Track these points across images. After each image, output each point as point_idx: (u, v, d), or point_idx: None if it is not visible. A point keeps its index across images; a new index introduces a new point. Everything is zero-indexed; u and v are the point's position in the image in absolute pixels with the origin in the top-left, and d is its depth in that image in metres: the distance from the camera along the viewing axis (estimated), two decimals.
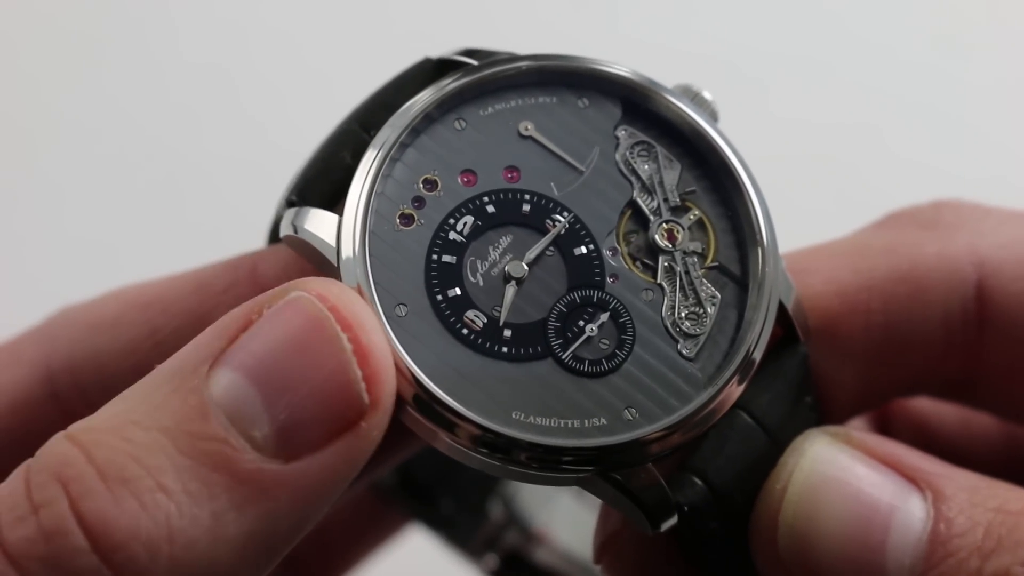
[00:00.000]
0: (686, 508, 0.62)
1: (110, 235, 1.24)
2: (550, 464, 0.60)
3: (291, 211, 0.63)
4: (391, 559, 0.99)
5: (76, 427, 0.54)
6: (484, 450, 0.60)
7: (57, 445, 0.54)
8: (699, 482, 0.62)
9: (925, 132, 1.39)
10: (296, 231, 0.62)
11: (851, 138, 1.38)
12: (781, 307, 0.64)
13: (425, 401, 0.59)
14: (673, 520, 0.62)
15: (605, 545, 0.67)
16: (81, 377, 0.71)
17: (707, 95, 0.67)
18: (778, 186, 1.21)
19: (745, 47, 1.43)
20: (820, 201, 1.29)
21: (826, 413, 0.68)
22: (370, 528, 0.94)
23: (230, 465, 0.53)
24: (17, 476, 0.53)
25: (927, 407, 0.79)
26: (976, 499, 0.60)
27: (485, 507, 0.98)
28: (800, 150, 1.36)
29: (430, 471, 0.96)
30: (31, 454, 0.54)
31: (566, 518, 0.98)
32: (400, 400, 0.60)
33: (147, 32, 1.41)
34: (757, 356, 0.63)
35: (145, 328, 0.69)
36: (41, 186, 1.28)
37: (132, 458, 0.52)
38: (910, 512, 0.60)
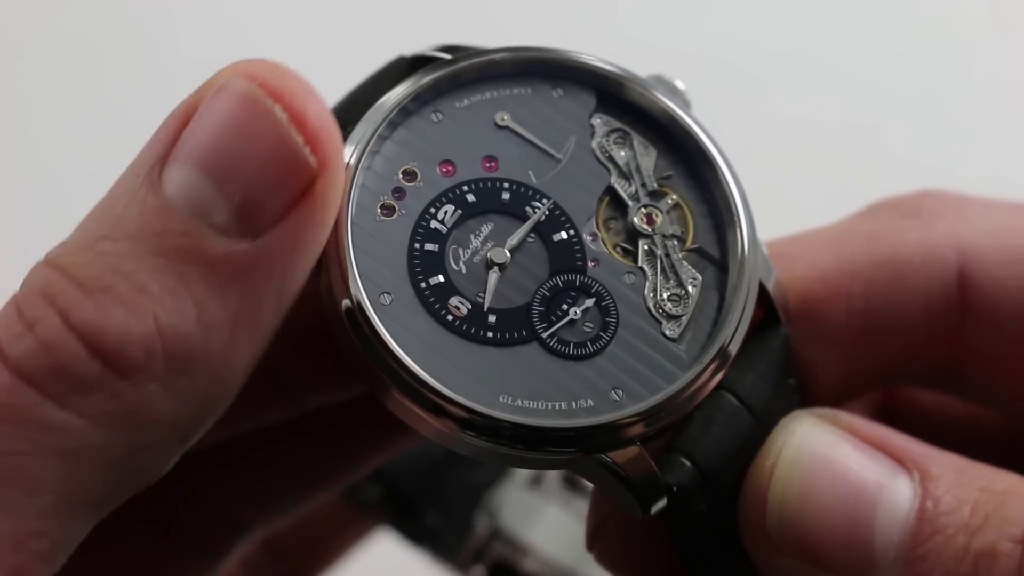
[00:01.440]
0: (675, 488, 0.62)
1: None
2: (538, 445, 0.60)
3: None
4: (375, 552, 0.99)
5: (50, 253, 0.56)
6: (471, 433, 0.60)
7: (37, 272, 0.55)
8: (687, 463, 0.62)
9: (926, 131, 1.40)
10: None
11: (852, 136, 1.39)
12: (762, 289, 0.65)
13: (411, 385, 0.60)
14: (663, 503, 0.62)
15: (596, 531, 0.67)
16: None
17: (679, 84, 0.68)
18: (779, 184, 1.23)
19: (745, 46, 1.44)
20: (821, 199, 1.29)
21: (808, 398, 0.68)
22: (355, 520, 0.94)
23: (200, 255, 0.54)
24: (7, 306, 0.55)
25: (932, 399, 0.79)
26: (963, 479, 0.61)
27: (471, 520, 0.98)
28: (801, 148, 1.37)
29: (415, 485, 0.96)
30: None
31: (552, 529, 0.98)
32: (385, 385, 0.60)
33: (147, 30, 1.41)
34: (739, 337, 0.64)
35: None
36: (41, 186, 1.29)
37: (109, 268, 0.54)
38: (897, 490, 0.60)
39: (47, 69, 1.40)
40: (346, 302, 0.60)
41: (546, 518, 0.98)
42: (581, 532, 0.70)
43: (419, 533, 0.98)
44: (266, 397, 0.74)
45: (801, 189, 1.30)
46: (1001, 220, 0.70)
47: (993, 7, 1.48)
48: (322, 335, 0.64)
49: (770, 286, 0.66)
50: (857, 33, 1.47)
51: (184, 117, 0.56)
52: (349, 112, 0.65)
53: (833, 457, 0.62)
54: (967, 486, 0.60)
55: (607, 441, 0.61)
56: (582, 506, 0.65)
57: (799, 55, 1.45)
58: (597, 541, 0.67)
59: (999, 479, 0.61)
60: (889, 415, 0.79)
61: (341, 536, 0.94)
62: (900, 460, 0.62)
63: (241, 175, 0.54)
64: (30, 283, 0.55)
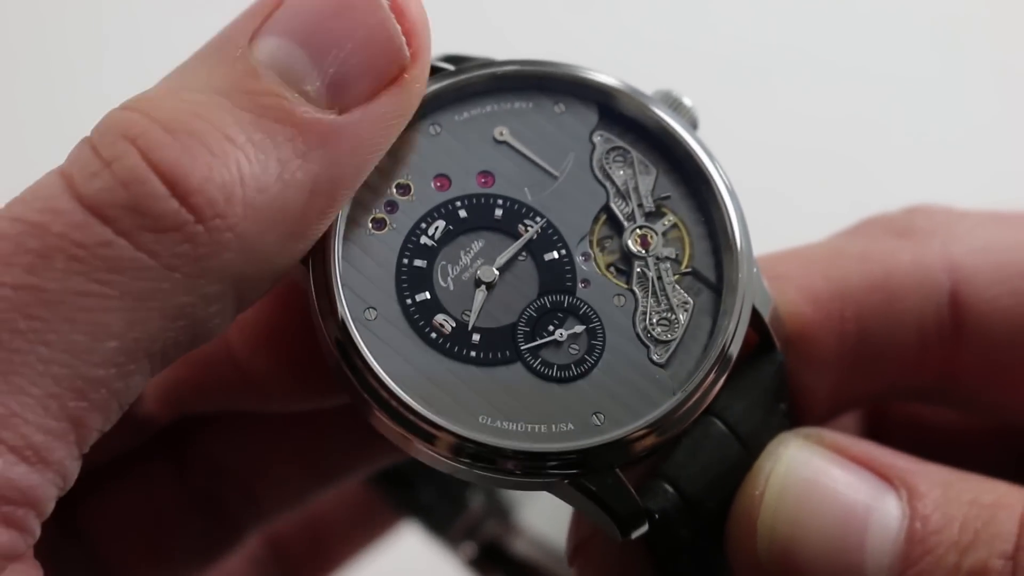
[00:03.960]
0: (657, 515, 0.62)
1: None
2: (516, 468, 0.60)
3: None
4: (382, 559, 0.99)
5: (127, 101, 0.56)
6: (449, 454, 0.60)
7: (113, 115, 0.55)
8: (670, 489, 0.62)
9: (927, 129, 1.39)
10: None
11: (853, 134, 1.38)
12: (757, 314, 0.64)
13: (388, 403, 0.59)
14: (644, 528, 0.62)
15: (578, 549, 0.67)
16: None
17: (687, 101, 0.67)
18: (781, 181, 1.22)
19: (747, 44, 1.43)
20: (822, 196, 1.29)
21: (799, 420, 0.68)
22: (361, 526, 0.95)
23: (290, 116, 0.55)
24: (80, 146, 0.55)
25: (921, 405, 0.79)
26: (950, 494, 0.61)
27: (466, 497, 0.98)
28: (803, 145, 1.36)
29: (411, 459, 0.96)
30: None
31: (545, 510, 0.98)
32: (364, 401, 0.60)
33: (144, 31, 1.41)
34: (729, 362, 0.63)
35: None
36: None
37: (194, 115, 0.54)
38: (886, 511, 0.60)
39: (47, 68, 1.39)
40: (330, 317, 0.60)
41: (540, 499, 0.98)
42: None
43: (413, 506, 0.98)
44: (243, 398, 0.74)
45: (803, 184, 1.29)
46: (991, 236, 0.69)
47: (996, 6, 1.46)
48: (310, 346, 0.64)
49: (767, 314, 0.65)
50: (861, 29, 1.45)
51: (273, 4, 0.57)
52: None
53: (821, 482, 0.62)
54: (955, 501, 0.60)
55: (586, 466, 0.60)
56: None
57: (804, 50, 1.43)
58: (578, 559, 0.67)
59: (987, 491, 0.61)
60: (879, 420, 0.79)
61: (347, 539, 0.95)
62: (887, 478, 0.61)
63: (338, 51, 0.57)
64: (106, 124, 0.55)
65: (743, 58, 1.40)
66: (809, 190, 1.29)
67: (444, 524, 0.99)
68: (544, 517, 0.98)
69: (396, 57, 0.58)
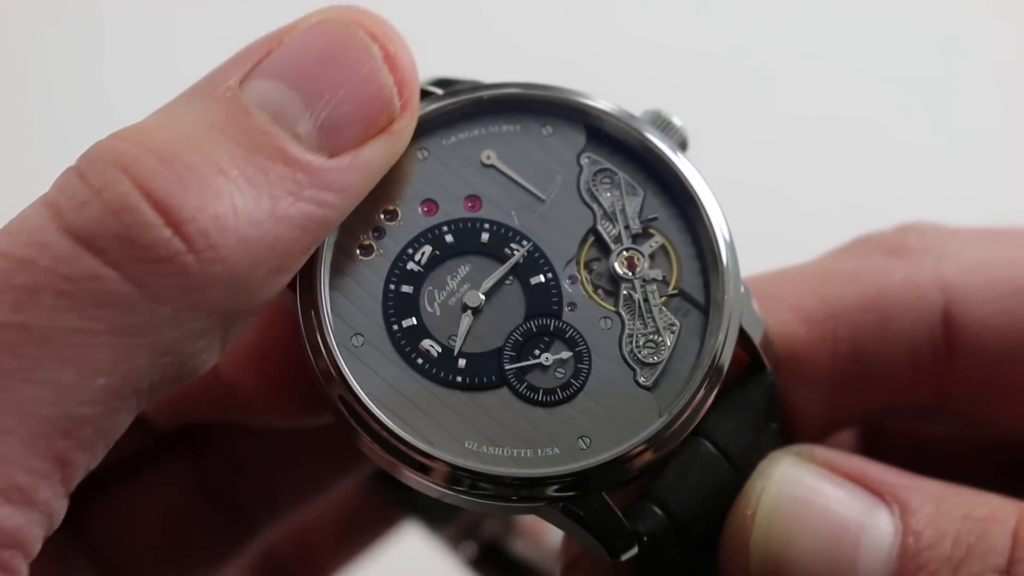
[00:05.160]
0: (646, 537, 0.62)
1: None
2: (502, 494, 0.60)
3: None
4: (382, 559, 1.00)
5: (116, 132, 0.56)
6: (436, 480, 0.60)
7: (102, 144, 0.55)
8: (659, 511, 0.62)
9: (928, 129, 1.38)
10: None
11: (854, 134, 1.37)
12: (746, 335, 0.64)
13: (373, 429, 0.60)
14: (633, 550, 0.62)
15: (568, 570, 0.67)
16: None
17: (676, 121, 0.67)
18: (781, 180, 1.21)
19: (748, 44, 1.42)
20: (822, 196, 1.28)
21: (793, 439, 0.68)
22: (354, 533, 0.95)
23: (282, 154, 0.56)
24: (67, 175, 0.54)
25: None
26: (943, 508, 0.61)
27: None
28: (803, 144, 1.35)
29: None
30: None
31: None
32: (350, 426, 0.61)
33: (143, 32, 1.41)
34: (716, 384, 0.63)
35: None
36: (38, 187, 1.29)
37: (187, 147, 0.54)
38: (879, 528, 0.60)
39: (46, 68, 1.39)
40: (317, 343, 0.60)
41: None
42: None
43: (413, 506, 0.99)
44: (230, 414, 0.74)
45: (804, 183, 1.28)
46: (983, 254, 0.69)
47: (995, 7, 1.45)
48: (297, 364, 0.64)
49: (758, 338, 0.65)
50: (861, 29, 1.44)
51: (266, 48, 0.58)
52: None
53: (812, 499, 0.62)
54: (948, 515, 0.60)
55: (572, 490, 0.61)
56: None
57: (805, 51, 1.42)
58: None
59: (979, 504, 0.61)
60: (874, 434, 0.78)
61: (339, 547, 0.95)
62: (879, 493, 0.61)
63: (330, 97, 0.57)
64: (95, 153, 0.54)
65: (744, 58, 1.39)
66: (809, 189, 1.28)
67: (444, 524, 0.99)
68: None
69: (386, 107, 0.58)
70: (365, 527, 0.95)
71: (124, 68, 1.37)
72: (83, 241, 0.52)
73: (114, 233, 0.52)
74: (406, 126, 0.60)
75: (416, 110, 0.60)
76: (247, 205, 0.54)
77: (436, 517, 0.99)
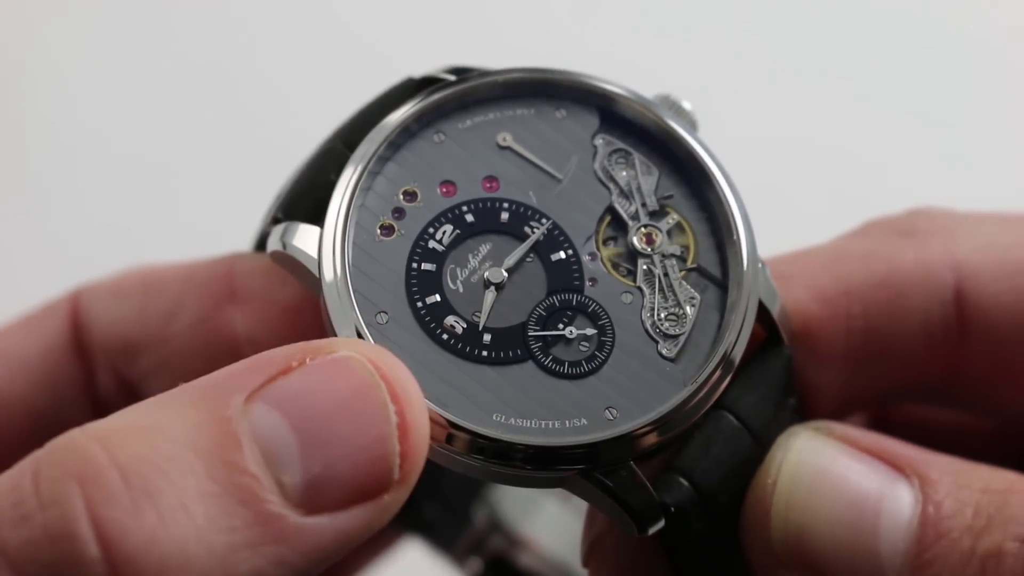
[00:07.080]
0: (672, 509, 0.62)
1: (107, 236, 1.24)
2: (530, 464, 0.61)
3: (278, 227, 0.64)
4: None
5: (96, 425, 0.52)
6: (462, 451, 0.61)
7: (75, 440, 0.51)
8: (685, 483, 0.63)
9: (930, 128, 1.40)
10: (284, 247, 0.63)
11: (855, 134, 1.39)
12: (764, 309, 0.65)
13: None
14: (660, 523, 0.62)
15: (592, 547, 0.67)
16: (108, 344, 0.72)
17: (686, 105, 0.68)
18: (782, 179, 1.22)
19: (750, 44, 1.44)
20: (824, 195, 1.30)
21: (809, 417, 0.68)
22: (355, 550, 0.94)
23: (256, 503, 0.51)
24: (23, 469, 0.50)
25: (925, 407, 0.79)
26: (962, 481, 0.61)
27: (470, 512, 0.98)
28: (805, 143, 1.36)
29: None
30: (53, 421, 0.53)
31: (550, 524, 0.98)
32: None
33: (145, 30, 1.41)
34: (737, 355, 0.64)
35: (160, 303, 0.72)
36: (38, 188, 1.29)
37: (159, 471, 0.50)
38: (899, 498, 0.61)
39: (46, 68, 1.39)
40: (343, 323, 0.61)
41: (545, 513, 0.98)
42: (579, 527, 0.70)
43: (417, 523, 0.98)
44: None
45: (805, 182, 1.29)
46: (992, 235, 0.70)
47: (996, 7, 1.47)
48: None
49: (775, 310, 0.66)
50: (862, 29, 1.46)
51: (284, 364, 0.54)
52: (356, 133, 0.65)
53: (832, 469, 0.62)
54: (967, 488, 0.61)
55: (602, 460, 0.61)
56: (581, 503, 0.65)
57: (806, 50, 1.44)
58: (593, 558, 0.67)
59: (998, 478, 0.61)
60: (882, 424, 0.79)
61: (339, 567, 0.94)
62: (898, 467, 0.62)
63: (330, 451, 0.53)
64: (62, 450, 0.51)
65: (745, 57, 1.41)
66: (811, 188, 1.29)
67: (449, 540, 0.99)
68: (548, 530, 0.98)
69: (384, 477, 0.54)
70: (365, 544, 0.94)
71: (124, 68, 1.38)
72: (12, 564, 0.49)
73: (45, 563, 0.48)
74: (397, 500, 0.54)
75: (413, 484, 0.55)
76: (199, 552, 0.50)
77: (441, 534, 0.99)
